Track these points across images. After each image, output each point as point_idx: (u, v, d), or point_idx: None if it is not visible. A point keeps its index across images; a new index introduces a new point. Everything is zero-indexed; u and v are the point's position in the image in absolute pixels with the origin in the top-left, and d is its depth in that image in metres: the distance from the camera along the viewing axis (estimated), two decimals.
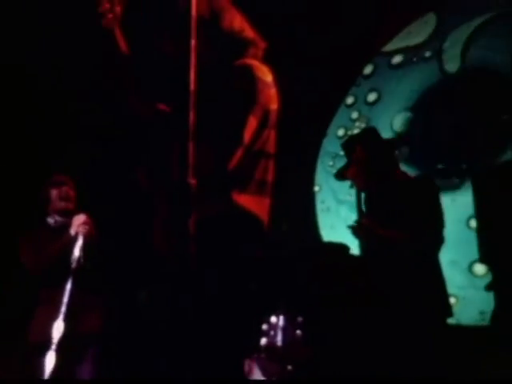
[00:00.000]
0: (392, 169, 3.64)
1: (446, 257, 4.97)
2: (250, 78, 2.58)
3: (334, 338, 3.83)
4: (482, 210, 4.18)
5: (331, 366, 3.82)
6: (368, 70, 6.71)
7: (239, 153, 2.59)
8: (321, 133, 6.77)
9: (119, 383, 4.11)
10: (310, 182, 6.72)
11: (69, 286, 3.60)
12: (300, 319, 4.14)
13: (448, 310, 3.45)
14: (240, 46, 2.78)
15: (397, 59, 6.44)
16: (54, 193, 4.09)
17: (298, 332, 4.09)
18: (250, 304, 4.43)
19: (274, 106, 2.66)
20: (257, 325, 4.31)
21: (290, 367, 3.94)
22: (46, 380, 3.44)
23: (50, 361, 3.35)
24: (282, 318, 4.13)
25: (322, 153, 6.77)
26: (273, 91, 2.68)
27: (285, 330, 4.09)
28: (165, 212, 2.59)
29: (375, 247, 3.51)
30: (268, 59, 3.95)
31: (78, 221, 3.91)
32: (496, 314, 3.99)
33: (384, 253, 3.41)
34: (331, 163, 6.53)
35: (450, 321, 5.10)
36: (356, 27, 6.30)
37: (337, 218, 6.26)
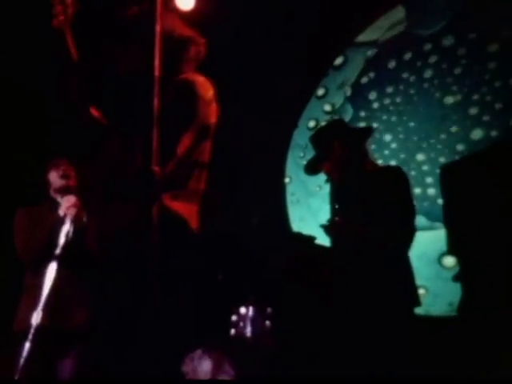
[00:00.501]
0: (364, 160, 3.62)
1: (415, 248, 5.01)
2: (190, 96, 2.56)
3: (302, 327, 3.82)
4: (449, 202, 4.20)
5: (301, 356, 3.82)
6: (339, 60, 6.70)
7: (171, 165, 2.60)
8: (291, 124, 6.76)
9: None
10: (280, 173, 6.74)
11: (52, 272, 3.37)
12: (269, 310, 4.15)
13: (415, 301, 3.44)
14: (179, 45, 2.74)
15: (369, 52, 6.44)
16: (53, 174, 3.98)
17: (267, 323, 4.10)
18: (218, 295, 4.42)
19: (212, 120, 2.66)
20: (226, 316, 4.32)
21: (258, 358, 3.95)
22: (43, 380, 3.36)
23: (25, 352, 3.21)
24: (251, 308, 4.13)
25: (292, 144, 6.77)
26: (213, 106, 2.67)
27: (254, 320, 4.10)
28: (99, 210, 2.58)
29: (348, 244, 3.49)
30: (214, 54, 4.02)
31: (68, 202, 3.71)
32: (463, 305, 4.01)
33: (356, 248, 3.39)
34: (302, 155, 6.52)
35: (420, 312, 5.17)
36: (327, 18, 6.28)
37: (307, 210, 6.25)
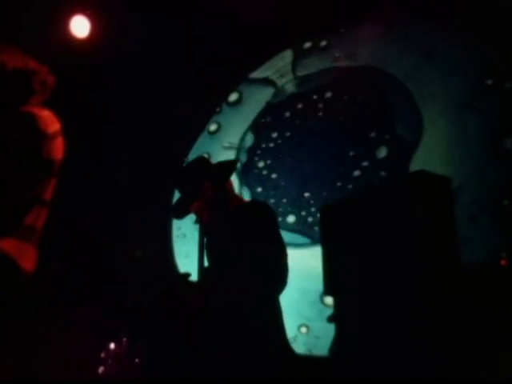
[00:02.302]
0: (229, 195, 3.54)
1: (296, 286, 4.99)
2: (31, 130, 2.48)
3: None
4: (326, 242, 4.20)
5: None
6: (233, 97, 6.75)
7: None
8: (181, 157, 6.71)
9: None
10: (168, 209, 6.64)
11: None
12: (140, 346, 4.02)
13: (282, 341, 3.34)
14: (21, 78, 2.65)
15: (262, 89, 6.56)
16: None
17: (137, 360, 3.99)
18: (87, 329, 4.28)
19: (57, 156, 2.57)
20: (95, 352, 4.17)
21: None
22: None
23: None
24: (120, 345, 4.01)
25: None
26: (58, 142, 2.57)
27: (123, 357, 3.97)
28: None
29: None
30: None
31: None
32: (334, 346, 4.00)
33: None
34: None
35: (302, 351, 5.15)
36: (222, 54, 6.33)
37: (193, 246, 6.13)
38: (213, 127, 6.80)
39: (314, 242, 5.58)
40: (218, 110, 6.81)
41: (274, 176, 6.12)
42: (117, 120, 6.25)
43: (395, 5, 5.30)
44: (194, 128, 6.81)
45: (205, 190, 3.40)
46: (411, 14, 5.30)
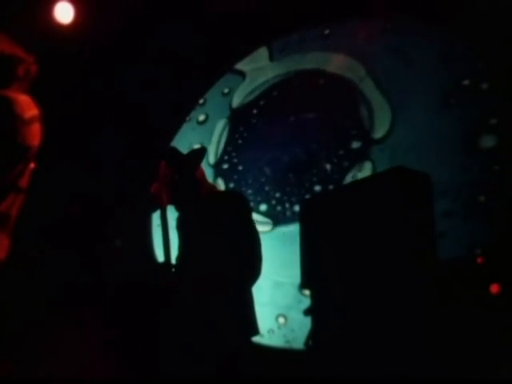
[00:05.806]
0: (200, 184, 3.51)
1: (275, 277, 4.99)
2: (5, 114, 2.45)
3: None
4: (304, 236, 4.22)
5: None
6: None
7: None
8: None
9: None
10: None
11: None
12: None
13: (253, 330, 3.33)
14: (5, 64, 2.64)
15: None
16: None
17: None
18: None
19: (34, 142, 2.55)
20: None
21: None
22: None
23: None
24: None
25: None
26: (35, 127, 2.55)
27: None
28: None
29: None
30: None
31: None
32: (309, 339, 4.02)
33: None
34: None
35: (281, 344, 5.14)
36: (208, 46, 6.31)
37: (173, 234, 6.12)
38: (201, 117, 6.78)
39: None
40: (201, 101, 6.79)
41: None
42: (100, 108, 6.23)
43: (377, 5, 5.28)
44: (177, 118, 6.77)
45: (161, 170, 3.38)
46: (392, 13, 5.30)
